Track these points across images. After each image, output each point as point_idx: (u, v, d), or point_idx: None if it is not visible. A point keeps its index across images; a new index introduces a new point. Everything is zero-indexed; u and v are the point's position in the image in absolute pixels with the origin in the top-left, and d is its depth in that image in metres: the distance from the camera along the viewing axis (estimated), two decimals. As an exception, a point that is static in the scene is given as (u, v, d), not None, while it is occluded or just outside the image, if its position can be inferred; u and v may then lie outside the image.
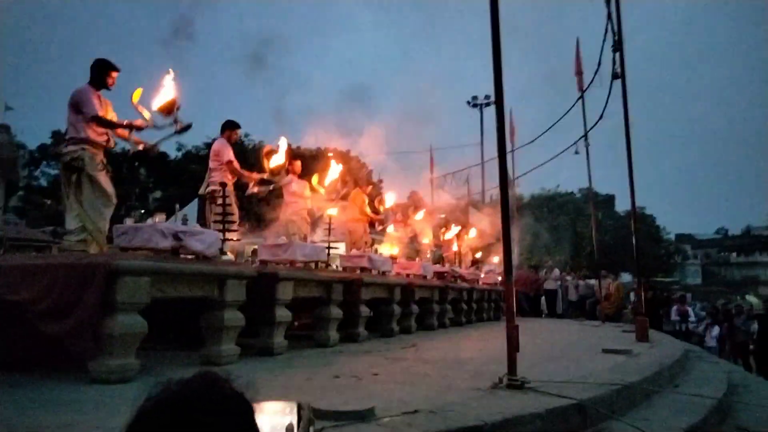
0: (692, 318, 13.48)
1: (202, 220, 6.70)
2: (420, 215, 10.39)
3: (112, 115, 4.92)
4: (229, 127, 6.62)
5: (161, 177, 37.04)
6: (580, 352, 6.10)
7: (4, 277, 3.79)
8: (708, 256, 59.45)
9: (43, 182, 37.03)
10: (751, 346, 11.63)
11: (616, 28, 8.27)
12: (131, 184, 38.17)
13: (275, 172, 6.86)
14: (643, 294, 8.60)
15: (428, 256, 11.65)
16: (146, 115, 4.76)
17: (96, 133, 4.74)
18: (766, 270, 51.57)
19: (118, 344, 3.49)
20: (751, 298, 18.76)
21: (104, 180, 4.75)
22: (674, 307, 13.70)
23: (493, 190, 21.09)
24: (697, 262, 57.08)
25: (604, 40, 8.61)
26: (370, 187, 10.14)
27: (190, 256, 4.35)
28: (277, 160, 6.76)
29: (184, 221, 4.39)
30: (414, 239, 11.51)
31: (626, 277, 24.22)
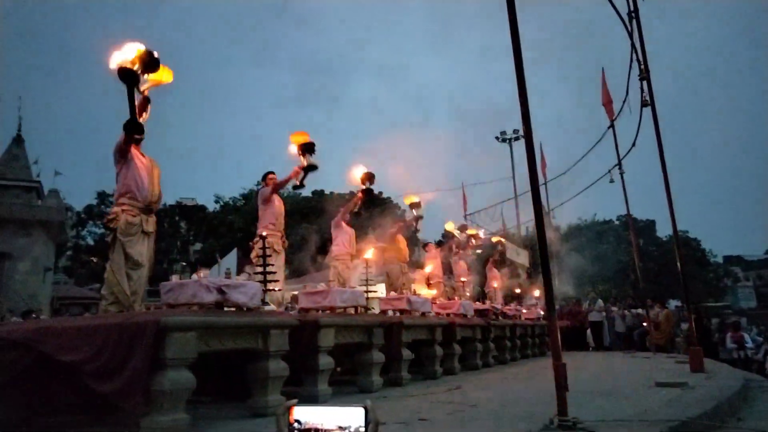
0: (749, 344, 12.80)
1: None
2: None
3: (156, 173, 4.94)
4: (264, 178, 6.91)
5: (200, 229, 37.99)
6: (633, 386, 5.87)
7: (56, 338, 3.92)
8: (761, 278, 56.79)
9: (90, 241, 38.38)
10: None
11: (641, 56, 8.26)
12: (172, 238, 39.26)
13: None
14: (694, 321, 8.27)
15: (467, 293, 11.52)
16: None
17: (136, 185, 4.63)
18: (825, 288, 48.89)
19: (167, 400, 3.54)
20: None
21: (136, 244, 4.63)
22: (729, 334, 13.07)
23: (529, 223, 20.90)
24: (750, 285, 54.50)
25: (629, 71, 8.60)
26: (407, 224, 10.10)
27: (233, 309, 4.44)
28: None
29: (227, 275, 4.48)
30: (450, 278, 11.43)
31: (675, 304, 23.34)
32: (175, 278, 4.29)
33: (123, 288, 4.37)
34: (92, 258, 35.61)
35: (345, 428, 1.09)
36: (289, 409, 1.07)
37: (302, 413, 1.11)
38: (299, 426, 1.08)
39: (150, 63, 4.45)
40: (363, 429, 1.11)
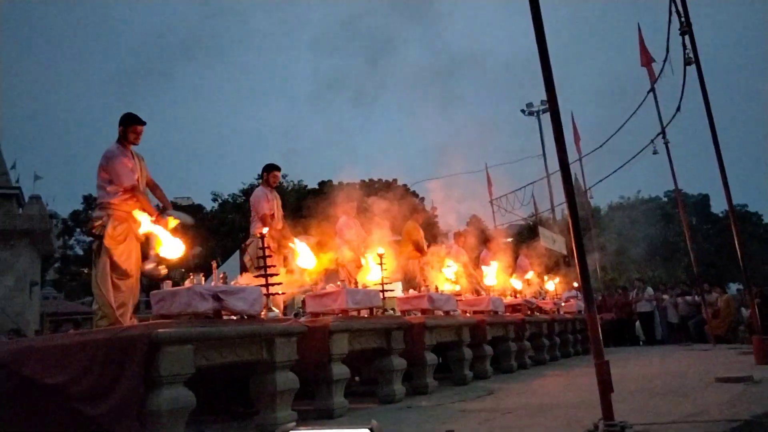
0: (824, 330, 12.56)
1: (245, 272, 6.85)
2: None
3: (145, 172, 5.08)
4: (265, 170, 6.89)
5: (199, 232, 38.21)
6: (689, 383, 5.79)
7: (38, 359, 3.96)
8: (833, 253, 55.73)
9: (79, 251, 38.87)
10: None
11: (680, 8, 8.08)
12: (169, 243, 39.53)
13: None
14: (757, 306, 8.13)
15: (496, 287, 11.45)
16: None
17: (125, 198, 4.82)
18: None
19: (164, 421, 3.55)
20: None
21: (124, 251, 4.67)
22: (799, 319, 12.83)
23: (564, 205, 20.68)
24: (822, 261, 53.57)
25: (669, 25, 8.43)
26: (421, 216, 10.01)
27: (233, 317, 4.43)
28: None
29: (224, 280, 4.48)
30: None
31: (736, 288, 23.01)
32: (166, 286, 4.29)
33: (108, 300, 4.37)
34: (82, 269, 36.08)
35: None
36: None
37: None
38: None
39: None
40: None
